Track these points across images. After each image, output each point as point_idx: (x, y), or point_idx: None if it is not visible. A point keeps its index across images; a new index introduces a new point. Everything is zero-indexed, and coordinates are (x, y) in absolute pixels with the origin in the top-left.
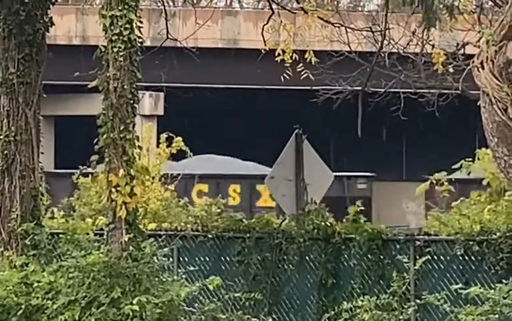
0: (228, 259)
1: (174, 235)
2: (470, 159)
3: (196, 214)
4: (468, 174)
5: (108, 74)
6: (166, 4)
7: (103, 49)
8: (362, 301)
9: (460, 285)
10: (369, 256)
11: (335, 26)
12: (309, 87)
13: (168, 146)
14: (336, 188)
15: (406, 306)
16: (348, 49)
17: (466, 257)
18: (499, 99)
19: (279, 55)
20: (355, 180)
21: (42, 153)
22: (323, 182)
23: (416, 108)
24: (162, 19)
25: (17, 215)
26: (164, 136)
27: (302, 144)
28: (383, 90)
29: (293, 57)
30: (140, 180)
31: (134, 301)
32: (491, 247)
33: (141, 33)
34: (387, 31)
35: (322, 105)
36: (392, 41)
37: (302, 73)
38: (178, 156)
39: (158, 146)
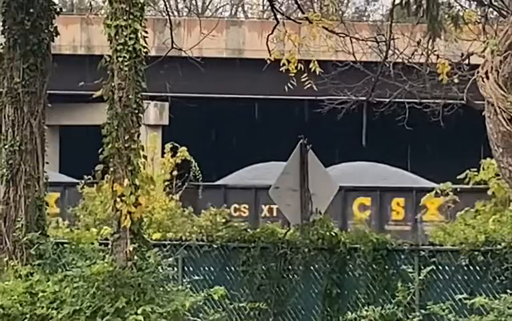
0: (233, 268)
1: (179, 245)
2: (475, 169)
3: (201, 224)
4: (473, 184)
5: (113, 84)
6: (171, 14)
7: (108, 59)
8: (367, 311)
9: (464, 295)
10: (374, 266)
11: (340, 36)
12: (313, 97)
13: (172, 156)
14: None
15: (410, 316)
16: (353, 59)
17: (471, 267)
18: (504, 109)
19: (283, 65)
20: None
21: (47, 163)
22: (327, 192)
23: (420, 118)
24: (167, 29)
25: (22, 224)
26: (168, 145)
27: (307, 154)
28: (388, 100)
29: (298, 67)
30: (144, 190)
31: (139, 311)
32: (496, 257)
33: (146, 43)
34: (392, 41)
35: (327, 115)
36: (396, 51)
37: (307, 83)
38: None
39: (162, 156)
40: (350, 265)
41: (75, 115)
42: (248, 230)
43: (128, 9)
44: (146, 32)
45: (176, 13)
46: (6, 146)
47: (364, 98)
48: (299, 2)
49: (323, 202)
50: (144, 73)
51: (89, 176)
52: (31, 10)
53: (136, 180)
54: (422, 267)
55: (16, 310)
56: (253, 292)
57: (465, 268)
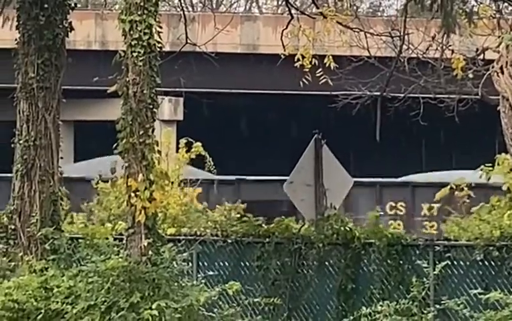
0: (247, 264)
1: (194, 240)
2: (490, 164)
3: (216, 219)
4: (488, 179)
5: (127, 79)
6: (185, 9)
7: (122, 54)
8: (382, 306)
9: (479, 290)
10: (388, 261)
11: (354, 31)
12: (328, 93)
13: (187, 151)
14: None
15: (425, 311)
16: (367, 54)
17: (486, 263)
18: None
19: (298, 60)
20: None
21: (61, 158)
22: (342, 187)
23: (435, 113)
24: (181, 24)
25: (37, 219)
26: (183, 141)
27: (321, 149)
28: (402, 95)
29: (312, 62)
30: (159, 185)
31: (154, 306)
32: (511, 252)
33: (160, 38)
34: (406, 36)
35: (341, 110)
36: (411, 46)
37: (321, 78)
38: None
39: (177, 151)
40: (365, 260)
41: (90, 110)
42: (263, 225)
43: (142, 4)
44: (161, 27)
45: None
46: (21, 141)
47: (379, 93)
48: None
49: (338, 197)
50: (158, 68)
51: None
52: (46, 5)
53: (150, 175)
54: (437, 262)
55: (31, 305)
56: (268, 287)
57: (480, 263)
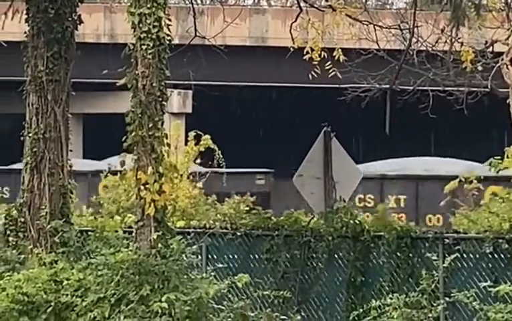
0: (256, 256)
1: (203, 233)
2: (499, 157)
3: (225, 212)
4: (497, 172)
5: (137, 72)
6: (194, 2)
7: (131, 47)
8: (391, 299)
9: (489, 283)
10: (398, 254)
11: (363, 24)
12: (337, 85)
13: (196, 144)
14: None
15: (435, 304)
16: (376, 47)
17: (496, 255)
18: None
19: (307, 53)
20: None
21: (71, 151)
22: (351, 180)
23: (444, 106)
24: (190, 17)
25: (46, 212)
26: (192, 133)
27: (330, 142)
28: (411, 88)
29: (322, 55)
30: (168, 178)
31: (163, 299)
32: None
33: (169, 31)
34: (415, 29)
35: (351, 103)
36: (420, 39)
37: (330, 71)
38: None
39: (186, 144)
40: (374, 253)
41: (99, 103)
42: (272, 218)
43: None
44: (170, 20)
45: (199, 1)
46: (30, 134)
47: (388, 86)
48: None
49: (347, 190)
50: (167, 61)
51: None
52: None
53: (159, 168)
54: (447, 255)
55: (40, 298)
56: (277, 280)
57: (489, 256)
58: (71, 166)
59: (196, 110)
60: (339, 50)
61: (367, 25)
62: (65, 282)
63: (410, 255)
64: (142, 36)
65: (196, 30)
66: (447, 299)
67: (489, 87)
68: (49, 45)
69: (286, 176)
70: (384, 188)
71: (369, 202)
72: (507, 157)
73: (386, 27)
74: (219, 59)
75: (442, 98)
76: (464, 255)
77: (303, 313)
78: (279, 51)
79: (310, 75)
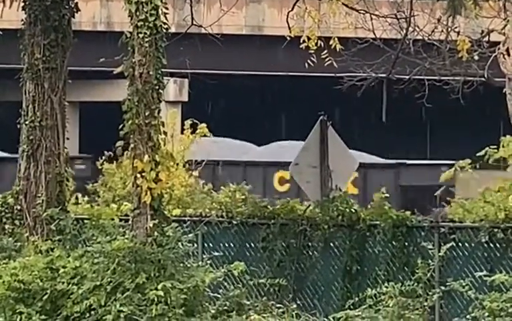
0: (252, 245)
1: (199, 221)
2: (495, 146)
3: (221, 200)
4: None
5: (134, 60)
6: None
7: (128, 35)
8: (387, 287)
9: (484, 272)
10: (394, 243)
11: (360, 13)
12: (333, 74)
13: (192, 133)
14: None
15: (430, 293)
16: (373, 36)
17: (491, 244)
18: None
19: (303, 41)
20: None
21: (67, 138)
22: (347, 169)
23: (440, 95)
24: (187, 6)
25: (43, 200)
26: (188, 122)
27: (327, 131)
28: (407, 77)
29: (318, 44)
30: (164, 166)
31: (159, 287)
32: None
33: (166, 19)
34: (412, 18)
35: (347, 92)
36: (416, 28)
37: (326, 60)
38: None
39: (182, 132)
40: (370, 242)
41: (95, 91)
42: (268, 206)
43: None
44: (167, 8)
45: None
46: (27, 122)
47: (384, 75)
48: None
49: (343, 178)
50: (164, 49)
51: (110, 153)
52: None
53: (156, 156)
54: (442, 244)
55: (36, 285)
56: (273, 269)
57: (485, 245)
58: (67, 154)
59: (192, 99)
60: (336, 39)
61: (363, 13)
62: (61, 270)
63: (406, 244)
64: (139, 24)
65: (192, 18)
66: (442, 288)
67: (485, 76)
68: (45, 33)
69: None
70: None
71: None
72: (503, 146)
73: (383, 16)
74: (215, 47)
75: (437, 87)
76: (460, 244)
77: (298, 302)
78: (275, 39)
79: (306, 64)
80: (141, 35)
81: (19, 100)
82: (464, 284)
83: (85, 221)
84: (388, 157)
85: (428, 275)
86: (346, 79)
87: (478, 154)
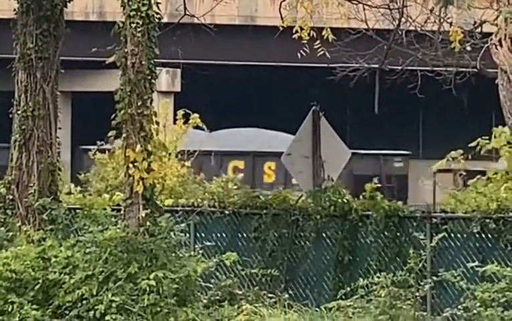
0: (244, 235)
1: (191, 211)
2: (487, 137)
3: (213, 190)
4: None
5: (126, 50)
6: None
7: (121, 25)
8: (379, 277)
9: (476, 263)
10: (386, 233)
11: (352, 3)
12: (325, 65)
13: (184, 123)
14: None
15: (422, 283)
16: (365, 27)
17: (483, 235)
18: None
19: (296, 32)
20: None
21: (59, 128)
22: (340, 159)
23: (432, 86)
24: None
25: (35, 189)
26: (180, 112)
27: (319, 121)
28: (400, 68)
29: (311, 35)
30: (157, 156)
31: (151, 276)
32: (508, 224)
33: (159, 9)
34: (404, 9)
35: (339, 83)
36: (409, 18)
37: (319, 50)
38: None
39: (174, 123)
40: (362, 232)
41: (88, 81)
42: (261, 196)
43: None
44: None
45: None
46: (19, 112)
47: (377, 66)
48: None
49: (335, 169)
50: (156, 39)
51: (102, 142)
52: None
53: (148, 146)
54: (434, 234)
55: (28, 275)
56: (265, 259)
57: (477, 235)
58: (59, 144)
59: (184, 89)
60: (328, 29)
61: (356, 4)
62: (53, 259)
63: (398, 234)
64: (131, 14)
65: (185, 8)
66: (434, 278)
67: (478, 67)
68: (38, 22)
69: None
70: None
71: None
72: (494, 137)
73: (375, 7)
74: (208, 38)
75: (430, 78)
76: (452, 235)
77: (290, 292)
78: (268, 30)
79: (299, 54)
80: (133, 25)
81: (11, 90)
82: (455, 274)
83: (78, 211)
84: (381, 148)
85: (420, 265)
86: (339, 70)
87: (470, 145)
